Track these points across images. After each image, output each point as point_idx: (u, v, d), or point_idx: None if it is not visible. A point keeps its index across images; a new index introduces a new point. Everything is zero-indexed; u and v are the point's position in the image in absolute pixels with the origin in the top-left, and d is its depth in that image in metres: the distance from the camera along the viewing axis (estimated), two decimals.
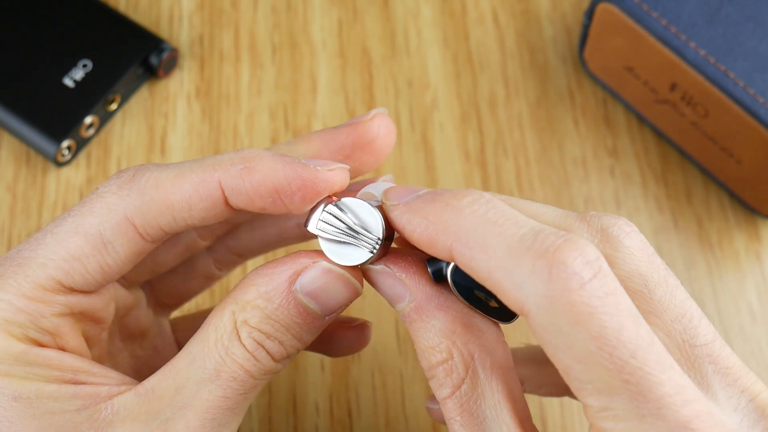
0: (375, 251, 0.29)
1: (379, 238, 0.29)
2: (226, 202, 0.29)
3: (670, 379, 0.25)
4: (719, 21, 0.45)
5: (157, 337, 0.36)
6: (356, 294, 0.30)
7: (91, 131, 0.49)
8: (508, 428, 0.27)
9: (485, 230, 0.26)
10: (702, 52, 0.45)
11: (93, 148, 0.50)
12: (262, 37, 0.53)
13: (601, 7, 0.47)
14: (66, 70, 0.49)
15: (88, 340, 0.32)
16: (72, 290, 0.30)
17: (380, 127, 0.32)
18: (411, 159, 0.50)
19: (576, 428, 0.44)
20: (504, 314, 0.29)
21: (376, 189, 0.31)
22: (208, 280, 0.38)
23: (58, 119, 0.48)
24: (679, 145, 0.50)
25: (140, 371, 0.35)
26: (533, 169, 0.50)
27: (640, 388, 0.24)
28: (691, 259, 0.48)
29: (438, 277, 0.29)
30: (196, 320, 0.38)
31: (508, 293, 0.26)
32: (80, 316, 0.30)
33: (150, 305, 0.36)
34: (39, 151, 0.48)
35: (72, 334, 0.30)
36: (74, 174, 0.49)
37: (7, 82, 0.49)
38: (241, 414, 0.30)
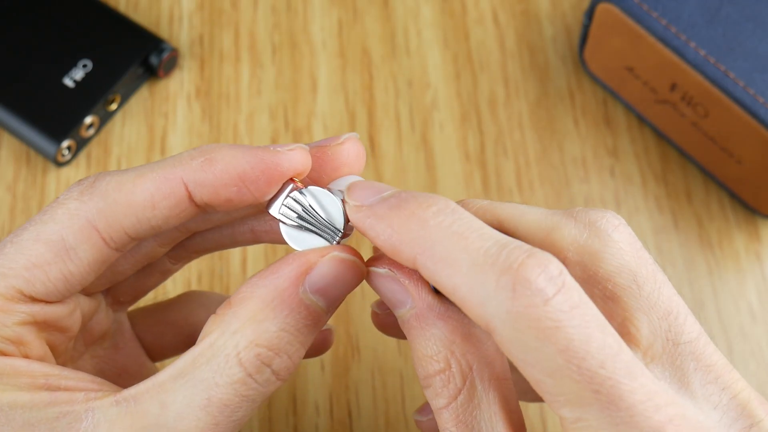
0: (334, 242, 0.29)
1: (339, 230, 0.29)
2: (190, 198, 0.29)
3: (642, 386, 0.25)
4: (719, 21, 0.45)
5: (117, 334, 0.36)
6: (362, 278, 0.29)
7: (91, 131, 0.49)
8: None
9: (450, 244, 0.26)
10: (702, 52, 0.45)
11: (93, 148, 0.50)
12: (262, 37, 0.53)
13: (601, 7, 0.47)
14: (66, 70, 0.49)
15: (53, 349, 0.31)
16: (33, 299, 0.29)
17: (350, 154, 0.31)
18: (411, 159, 0.50)
19: None
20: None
21: (341, 184, 0.30)
22: (164, 275, 0.37)
23: (58, 119, 0.48)
24: (679, 145, 0.50)
25: (103, 370, 0.35)
26: (533, 169, 0.50)
27: (610, 397, 0.24)
28: (691, 259, 0.48)
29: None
30: (155, 312, 0.38)
31: (473, 310, 0.25)
32: (44, 326, 0.30)
33: (108, 305, 0.35)
34: (39, 151, 0.48)
35: (36, 343, 0.29)
36: (74, 174, 0.49)
37: (7, 82, 0.49)
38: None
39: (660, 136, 0.51)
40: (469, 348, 0.28)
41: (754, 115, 0.44)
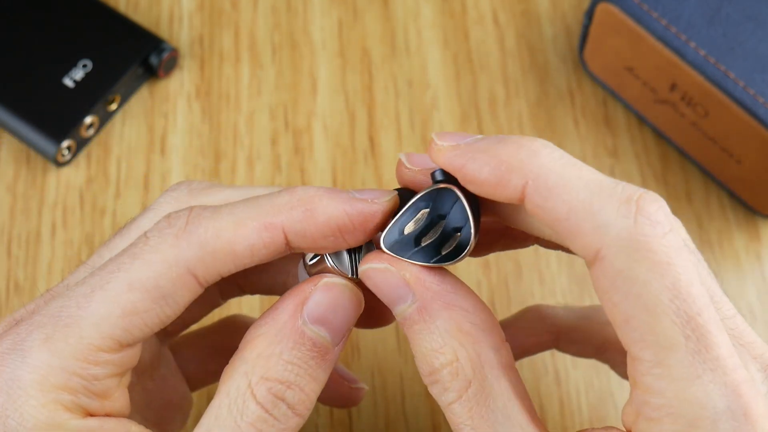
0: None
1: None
2: (287, 245, 0.29)
3: (725, 342, 0.25)
4: (719, 21, 0.45)
5: (164, 366, 0.36)
6: (360, 305, 0.29)
7: (91, 131, 0.49)
8: (521, 426, 0.27)
9: (565, 171, 0.26)
10: (702, 52, 0.45)
11: (93, 148, 0.50)
12: (262, 37, 0.53)
13: (601, 7, 0.47)
14: (66, 70, 0.49)
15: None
16: (126, 346, 0.28)
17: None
18: None
19: (576, 428, 0.44)
20: (452, 257, 0.29)
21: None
22: (212, 307, 0.37)
23: (58, 119, 0.48)
24: (679, 145, 0.50)
25: (149, 403, 0.34)
26: None
27: (699, 345, 0.25)
28: None
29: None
30: (198, 340, 0.38)
31: (585, 236, 0.26)
32: (125, 370, 0.29)
33: (156, 335, 0.35)
34: (39, 151, 0.48)
35: (119, 393, 0.29)
36: (74, 174, 0.49)
37: (7, 82, 0.49)
38: None
39: (660, 136, 0.51)
40: (477, 337, 0.28)
41: (754, 115, 0.44)
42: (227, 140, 0.50)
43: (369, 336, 0.45)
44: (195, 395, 0.38)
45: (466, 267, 0.47)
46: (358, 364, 0.45)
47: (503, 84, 0.52)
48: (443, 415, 0.43)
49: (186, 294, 0.28)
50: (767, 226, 0.49)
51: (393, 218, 0.29)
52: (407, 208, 0.29)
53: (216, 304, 0.37)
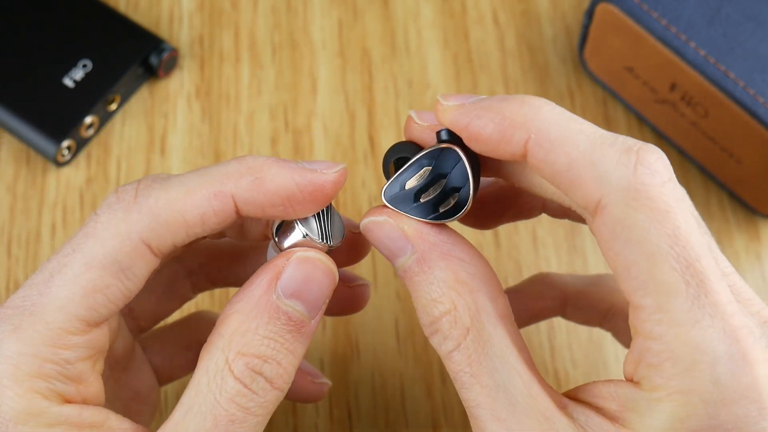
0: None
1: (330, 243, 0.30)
2: (237, 213, 0.29)
3: (724, 288, 0.26)
4: (719, 21, 0.45)
5: (135, 359, 0.36)
6: (334, 278, 0.30)
7: (91, 131, 0.49)
8: (519, 373, 0.27)
9: (566, 125, 0.27)
10: (702, 52, 0.45)
11: (93, 148, 0.50)
12: (262, 37, 0.53)
13: (601, 7, 0.47)
14: (66, 70, 0.49)
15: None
16: (93, 326, 0.28)
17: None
18: None
19: None
20: (449, 215, 0.29)
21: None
22: (183, 301, 0.38)
23: (58, 119, 0.48)
24: (679, 145, 0.50)
25: (119, 395, 0.35)
26: None
27: (698, 290, 0.25)
28: None
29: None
30: (165, 334, 0.38)
31: (587, 186, 0.26)
32: (96, 354, 0.29)
33: (129, 329, 0.36)
34: (39, 151, 0.48)
35: (93, 378, 0.29)
36: (74, 174, 0.49)
37: (7, 82, 0.49)
38: None
39: (660, 136, 0.51)
40: (473, 287, 0.28)
41: (754, 115, 0.44)
42: (227, 140, 0.50)
43: (369, 336, 0.45)
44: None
45: None
46: (358, 364, 0.45)
47: (503, 84, 0.52)
48: (443, 415, 0.44)
49: (144, 265, 0.28)
50: (767, 226, 0.49)
51: (396, 173, 0.30)
52: (410, 164, 0.30)
53: (187, 298, 0.37)
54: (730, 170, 0.48)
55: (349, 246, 0.33)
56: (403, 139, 0.31)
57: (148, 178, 0.29)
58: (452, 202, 0.29)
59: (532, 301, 0.40)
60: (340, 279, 0.36)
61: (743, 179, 0.47)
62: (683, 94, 0.47)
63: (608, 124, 0.51)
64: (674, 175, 0.26)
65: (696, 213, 0.29)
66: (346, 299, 0.36)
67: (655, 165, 0.26)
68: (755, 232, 0.48)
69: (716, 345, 0.25)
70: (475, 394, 0.27)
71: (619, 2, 0.46)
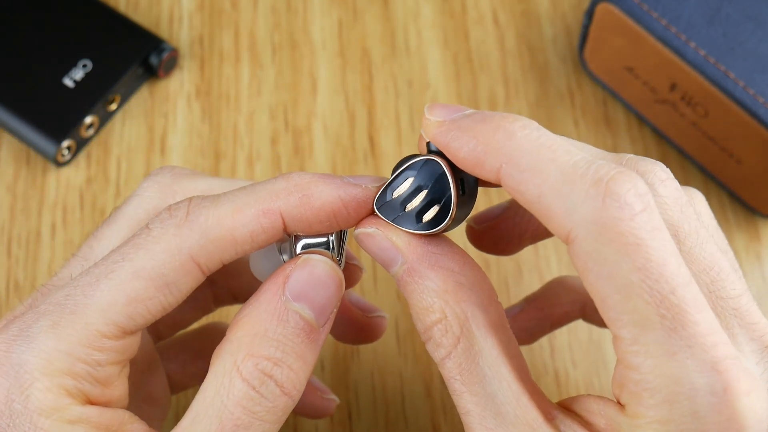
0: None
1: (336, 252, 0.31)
2: (284, 230, 0.29)
3: (705, 320, 0.25)
4: (719, 21, 0.45)
5: (153, 364, 0.36)
6: (341, 283, 0.30)
7: (91, 131, 0.49)
8: (508, 383, 0.28)
9: (538, 154, 0.26)
10: (702, 52, 0.45)
11: (93, 148, 0.50)
12: (262, 37, 0.53)
13: (601, 7, 0.47)
14: (66, 70, 0.49)
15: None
16: (128, 333, 0.29)
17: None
18: None
19: None
20: (432, 225, 0.29)
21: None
22: (204, 312, 0.38)
23: (58, 119, 0.48)
24: (679, 145, 0.50)
25: (133, 396, 0.34)
26: None
27: (674, 323, 0.25)
28: None
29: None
30: (181, 342, 0.39)
31: (556, 218, 0.26)
32: (125, 359, 0.30)
33: (150, 334, 0.36)
34: (39, 151, 0.48)
35: (119, 382, 0.29)
36: (74, 174, 0.49)
37: (7, 82, 0.49)
38: None
39: (660, 136, 0.51)
40: (462, 296, 0.28)
41: (754, 115, 0.44)
42: (227, 140, 0.50)
43: None
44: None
45: None
46: (358, 364, 0.45)
47: (503, 84, 0.52)
48: (443, 415, 0.44)
49: (189, 281, 0.29)
50: (767, 226, 0.49)
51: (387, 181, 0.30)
52: (399, 173, 0.30)
53: (209, 309, 0.38)
54: (730, 170, 0.48)
55: (361, 328, 0.35)
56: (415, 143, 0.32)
57: (200, 196, 0.30)
58: (433, 213, 0.29)
59: (551, 308, 0.40)
60: (359, 308, 0.36)
61: (743, 179, 0.47)
62: (683, 94, 0.47)
63: (608, 124, 0.51)
64: (651, 199, 0.26)
65: (709, 224, 0.29)
66: (363, 328, 0.37)
67: (625, 197, 0.25)
68: (755, 232, 0.48)
69: (694, 377, 0.25)
70: (465, 401, 0.28)
71: (619, 2, 0.46)
